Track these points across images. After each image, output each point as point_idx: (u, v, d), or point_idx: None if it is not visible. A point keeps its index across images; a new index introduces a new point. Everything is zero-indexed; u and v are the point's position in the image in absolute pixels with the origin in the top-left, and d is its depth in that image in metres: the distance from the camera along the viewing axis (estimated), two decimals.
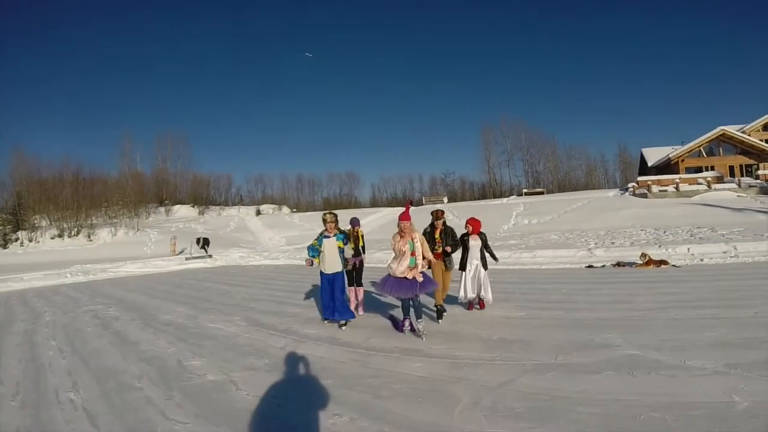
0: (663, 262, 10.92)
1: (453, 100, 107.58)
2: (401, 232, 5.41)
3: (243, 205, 61.90)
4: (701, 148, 37.31)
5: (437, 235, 6.31)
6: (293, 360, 4.74)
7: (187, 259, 22.27)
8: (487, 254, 6.63)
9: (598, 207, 29.02)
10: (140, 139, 78.46)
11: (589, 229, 21.62)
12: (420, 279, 5.28)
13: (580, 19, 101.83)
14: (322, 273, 6.23)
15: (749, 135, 36.81)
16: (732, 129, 36.73)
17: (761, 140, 36.28)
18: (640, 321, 5.38)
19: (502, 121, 63.38)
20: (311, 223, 38.59)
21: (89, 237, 36.84)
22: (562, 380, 3.61)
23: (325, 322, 6.40)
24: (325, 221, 6.24)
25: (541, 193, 49.03)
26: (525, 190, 52.18)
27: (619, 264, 11.63)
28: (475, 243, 6.54)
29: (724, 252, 11.84)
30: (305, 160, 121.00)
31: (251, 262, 21.63)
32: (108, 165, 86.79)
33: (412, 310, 5.44)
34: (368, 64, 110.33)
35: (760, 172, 31.14)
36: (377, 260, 13.75)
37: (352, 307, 6.62)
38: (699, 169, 35.51)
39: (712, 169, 35.13)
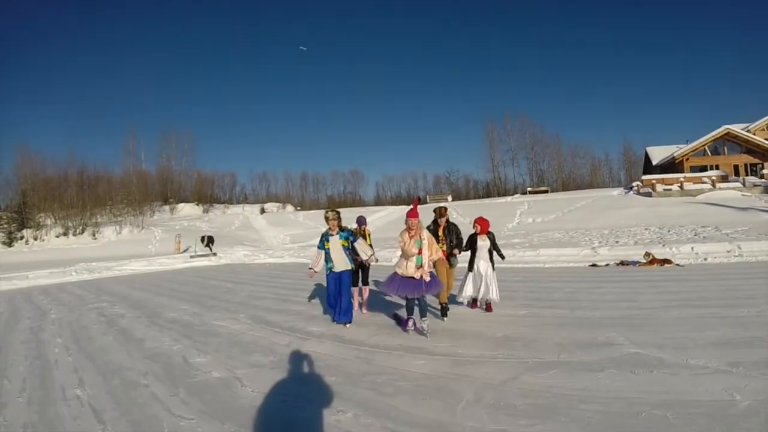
0: (667, 261, 10.91)
1: (457, 98, 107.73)
2: (409, 230, 5.34)
3: (247, 203, 62.21)
4: (706, 147, 37.15)
5: (441, 233, 6.29)
6: (298, 357, 4.77)
7: (191, 257, 22.39)
8: (495, 254, 6.56)
9: (603, 206, 28.95)
10: (144, 137, 78.57)
11: (593, 228, 21.58)
12: (427, 278, 5.23)
13: (584, 17, 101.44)
14: (329, 272, 6.13)
15: (754, 134, 36.60)
16: (737, 128, 36.54)
17: (766, 139, 36.02)
18: (643, 319, 5.39)
19: (506, 119, 63.39)
20: (315, 221, 38.66)
21: (94, 235, 37.05)
22: (564, 378, 3.62)
23: (335, 322, 6.22)
24: (327, 219, 6.14)
25: (546, 191, 48.97)
26: (529, 189, 52.16)
27: (622, 263, 11.61)
28: (483, 243, 6.47)
29: (728, 251, 11.82)
30: (309, 158, 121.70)
31: (256, 260, 21.69)
32: (112, 163, 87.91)
33: (416, 309, 5.42)
34: (373, 62, 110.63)
35: (764, 171, 30.92)
36: (382, 258, 13.72)
37: (356, 305, 6.62)
38: (703, 168, 35.39)
39: (717, 168, 35.03)
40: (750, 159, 36.20)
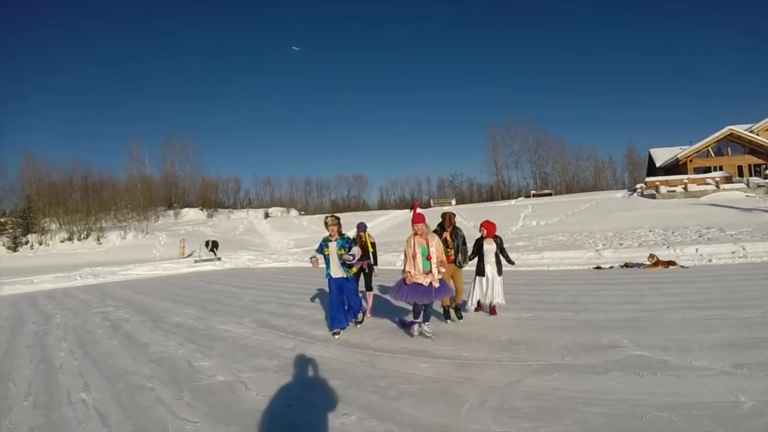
0: (671, 262, 10.86)
1: (460, 102, 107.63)
2: (416, 236, 5.29)
3: (251, 208, 62.27)
4: (709, 148, 37.02)
5: (448, 237, 6.23)
6: (302, 361, 4.78)
7: (196, 261, 22.46)
8: (502, 258, 6.48)
9: (606, 208, 28.88)
10: (148, 142, 78.89)
11: (597, 231, 21.53)
12: (437, 285, 5.18)
13: (587, 20, 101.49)
14: (329, 278, 6.01)
15: (757, 134, 36.41)
16: (740, 129, 36.40)
17: None
18: (648, 321, 5.37)
19: (509, 122, 63.28)
20: (319, 225, 38.18)
21: (98, 240, 37.28)
22: (569, 380, 3.62)
23: (335, 337, 5.75)
24: (326, 224, 5.99)
25: (549, 194, 48.89)
26: (533, 192, 52.10)
27: (627, 265, 11.56)
28: (489, 247, 6.38)
29: (733, 252, 11.76)
30: (313, 163, 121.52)
31: (260, 265, 21.75)
32: (117, 169, 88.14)
33: (421, 314, 5.37)
34: (376, 67, 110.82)
35: None
36: (385, 262, 13.77)
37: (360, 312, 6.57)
38: (707, 170, 35.26)
39: (721, 169, 34.86)
40: (754, 159, 36.05)
